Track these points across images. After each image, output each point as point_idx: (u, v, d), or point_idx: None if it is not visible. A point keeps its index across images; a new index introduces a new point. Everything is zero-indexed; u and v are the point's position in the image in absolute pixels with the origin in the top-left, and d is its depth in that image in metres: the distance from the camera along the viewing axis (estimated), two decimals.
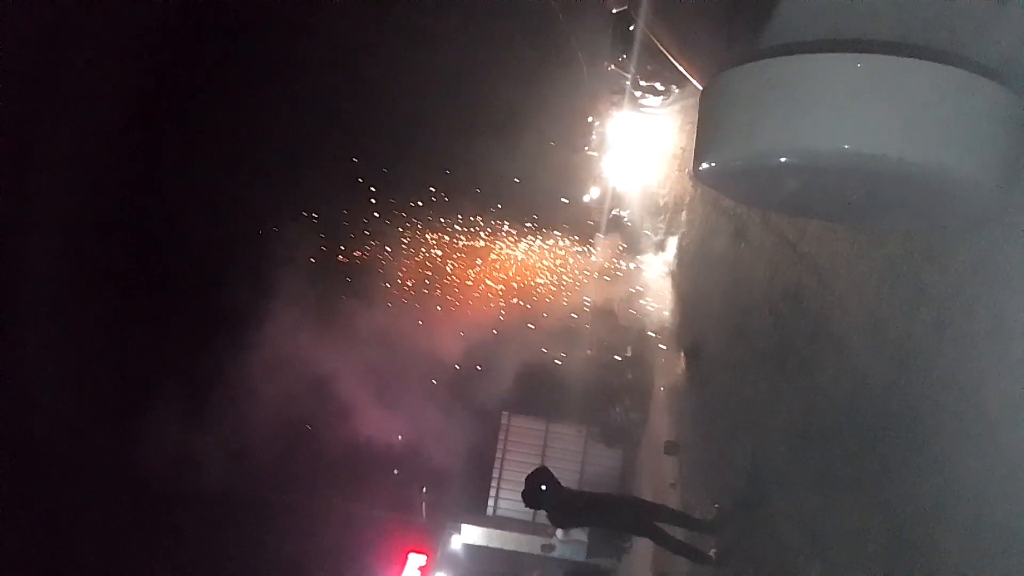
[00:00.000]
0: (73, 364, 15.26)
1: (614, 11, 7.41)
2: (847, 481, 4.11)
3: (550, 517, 7.23)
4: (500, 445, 16.79)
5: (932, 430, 3.30)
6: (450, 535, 15.87)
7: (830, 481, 4.36)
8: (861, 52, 2.07)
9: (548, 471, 6.91)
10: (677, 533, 6.80)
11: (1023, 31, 2.07)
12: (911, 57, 2.04)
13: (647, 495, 10.55)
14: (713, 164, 2.36)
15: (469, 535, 15.89)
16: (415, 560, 14.93)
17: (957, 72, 2.04)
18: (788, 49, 2.17)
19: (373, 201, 14.97)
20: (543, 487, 6.69)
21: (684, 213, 10.51)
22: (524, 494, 6.81)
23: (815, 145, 2.10)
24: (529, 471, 6.90)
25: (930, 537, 3.22)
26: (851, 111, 2.05)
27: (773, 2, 2.17)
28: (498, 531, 15.81)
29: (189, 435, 14.04)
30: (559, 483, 6.85)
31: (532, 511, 14.83)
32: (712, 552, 6.40)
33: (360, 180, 15.70)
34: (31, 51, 14.07)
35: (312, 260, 14.15)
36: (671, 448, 9.27)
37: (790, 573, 4.74)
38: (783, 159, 2.15)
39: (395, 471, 15.28)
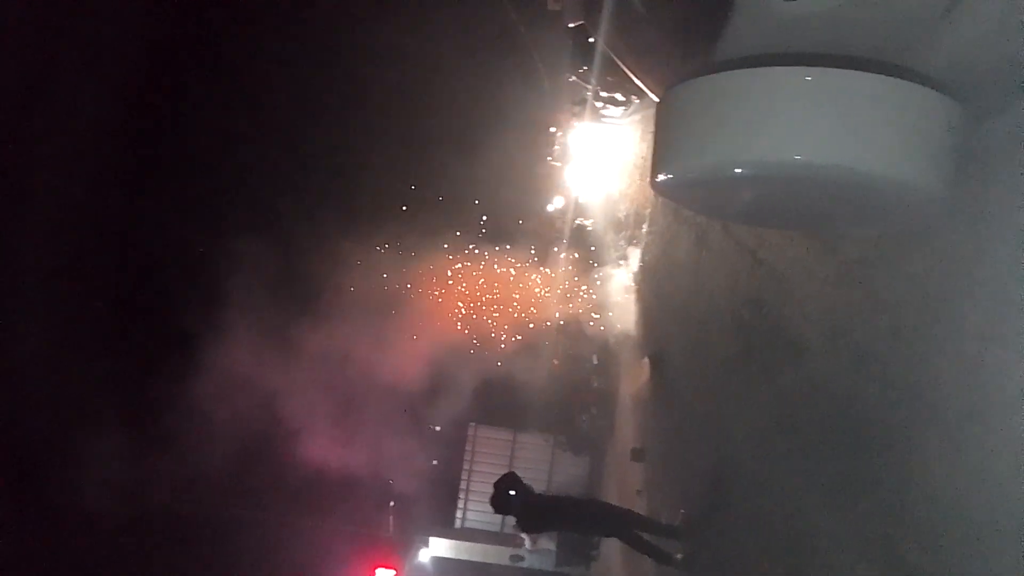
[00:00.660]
0: (58, 369, 14.90)
1: (570, 25, 7.43)
2: (809, 485, 4.17)
3: (519, 522, 7.28)
4: (467, 456, 16.74)
5: (890, 433, 3.36)
6: (418, 549, 15.76)
7: (793, 485, 4.42)
8: (811, 65, 2.12)
9: (516, 476, 6.98)
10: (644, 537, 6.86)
11: (964, 42, 2.13)
12: (858, 70, 2.09)
13: (614, 502, 10.58)
14: (670, 176, 2.39)
15: (437, 548, 15.79)
16: (383, 575, 14.81)
17: (903, 83, 2.10)
18: (741, 63, 2.21)
19: (333, 216, 14.83)
20: (511, 492, 6.75)
21: (646, 222, 10.61)
22: (493, 500, 6.86)
23: (768, 156, 2.14)
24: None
25: (892, 537, 3.28)
26: (802, 123, 2.10)
27: (726, 16, 2.21)
28: (467, 543, 15.74)
29: (148, 454, 13.79)
30: (527, 488, 6.90)
31: (500, 522, 14.90)
32: (679, 556, 6.46)
33: (321, 196, 15.60)
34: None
35: (269, 277, 13.96)
36: (637, 455, 9.32)
37: None
38: (738, 170, 2.19)
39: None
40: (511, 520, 7.82)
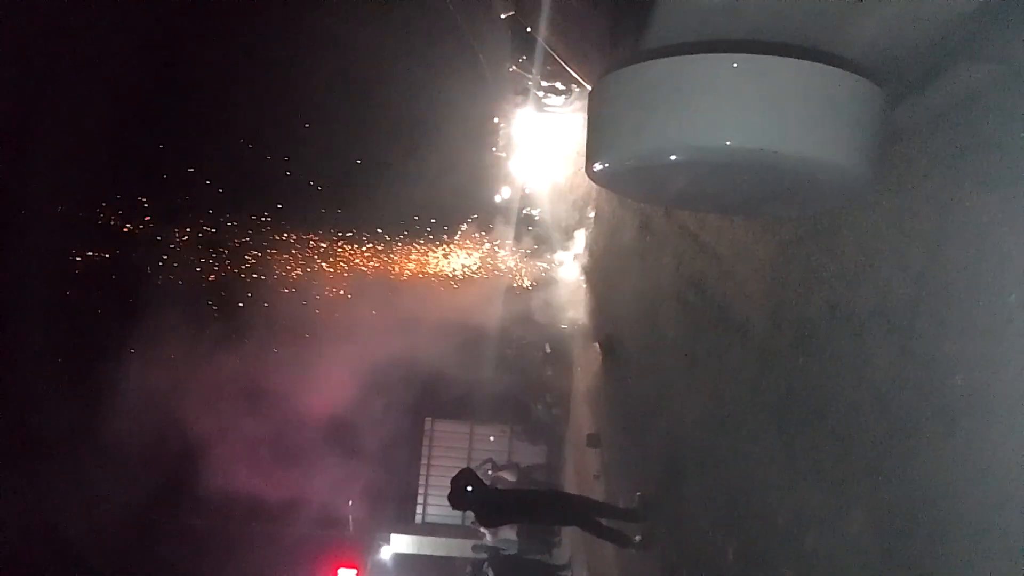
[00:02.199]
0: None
1: (502, 16, 7.43)
2: (757, 463, 4.27)
3: (478, 517, 7.34)
4: (425, 451, 16.73)
5: (829, 406, 3.46)
6: (380, 546, 15.71)
7: (741, 464, 4.52)
8: (737, 52, 2.16)
9: (472, 472, 7.06)
10: (603, 522, 6.96)
11: (879, 25, 2.20)
12: (782, 56, 2.14)
13: (573, 488, 10.69)
14: (605, 164, 2.42)
15: (399, 544, 15.77)
16: (345, 575, 14.73)
17: (825, 68, 2.15)
18: (670, 50, 2.24)
19: (266, 215, 14.51)
20: (468, 488, 6.79)
21: (592, 209, 10.70)
22: (450, 496, 6.89)
23: (698, 143, 2.18)
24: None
25: (834, 509, 3.38)
26: (730, 109, 2.14)
27: (652, 4, 2.24)
28: (428, 538, 15.75)
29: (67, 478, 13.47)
30: (484, 483, 6.98)
31: (461, 514, 14.94)
32: (637, 538, 6.56)
33: (254, 190, 15.27)
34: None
35: (195, 284, 13.60)
36: (593, 440, 9.42)
37: (709, 554, 4.90)
38: (670, 157, 2.23)
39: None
40: (471, 514, 7.87)
